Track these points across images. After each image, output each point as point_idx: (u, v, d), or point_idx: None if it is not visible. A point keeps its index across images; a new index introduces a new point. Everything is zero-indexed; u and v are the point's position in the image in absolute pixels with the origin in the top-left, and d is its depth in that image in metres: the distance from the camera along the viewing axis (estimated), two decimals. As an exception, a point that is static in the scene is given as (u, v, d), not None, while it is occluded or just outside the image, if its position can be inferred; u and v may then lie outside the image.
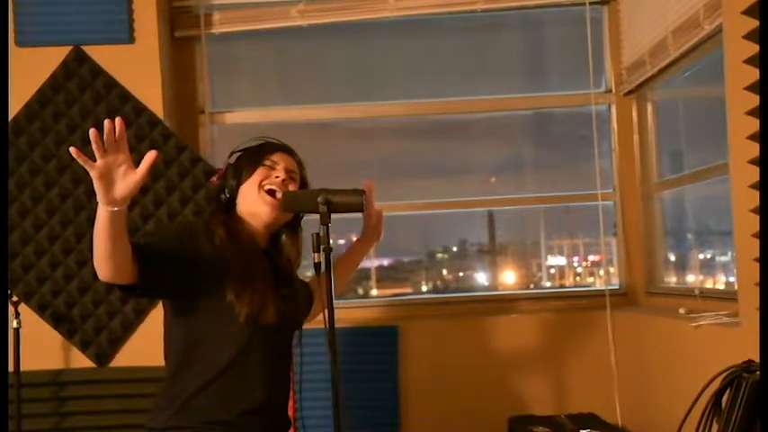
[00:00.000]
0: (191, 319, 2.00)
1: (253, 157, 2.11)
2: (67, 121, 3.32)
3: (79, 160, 1.57)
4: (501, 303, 3.67)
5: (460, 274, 4.02)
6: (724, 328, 2.49)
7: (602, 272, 3.79)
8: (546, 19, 3.81)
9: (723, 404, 1.89)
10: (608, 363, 3.39)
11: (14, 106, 3.28)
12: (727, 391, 1.88)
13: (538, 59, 3.89)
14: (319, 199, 1.90)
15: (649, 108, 3.59)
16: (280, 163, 2.10)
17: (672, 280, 3.52)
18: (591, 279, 4.00)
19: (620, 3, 3.59)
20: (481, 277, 3.97)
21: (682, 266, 3.52)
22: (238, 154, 2.14)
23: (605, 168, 3.68)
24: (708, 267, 3.31)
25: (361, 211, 2.00)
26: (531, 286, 3.93)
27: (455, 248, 4.07)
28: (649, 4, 3.24)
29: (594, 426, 3.07)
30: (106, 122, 1.58)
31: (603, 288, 3.55)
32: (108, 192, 1.62)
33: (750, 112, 2.12)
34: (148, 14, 3.37)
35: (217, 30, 3.65)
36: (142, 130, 3.32)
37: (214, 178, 2.15)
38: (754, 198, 2.07)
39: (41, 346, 3.19)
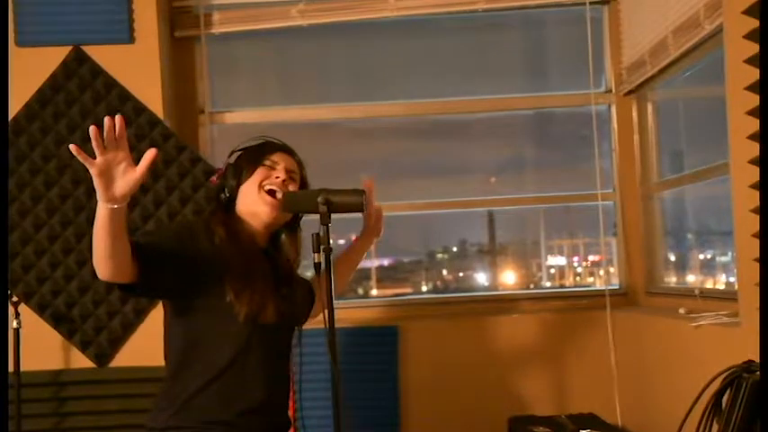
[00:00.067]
0: (190, 318, 1.99)
1: (253, 156, 2.11)
2: (67, 121, 3.32)
3: (79, 157, 1.57)
4: (501, 303, 3.67)
5: (460, 274, 4.02)
6: (724, 328, 2.48)
7: (602, 272, 3.79)
8: (546, 19, 3.81)
9: (723, 404, 1.89)
10: (608, 363, 3.38)
11: (14, 106, 3.28)
12: (728, 392, 1.88)
13: (538, 59, 3.89)
14: (319, 199, 1.90)
15: (650, 108, 3.59)
16: (280, 163, 2.10)
17: (672, 280, 3.52)
18: (591, 279, 4.00)
19: (620, 2, 3.59)
20: (481, 277, 3.97)
21: (682, 266, 3.52)
22: (238, 153, 2.14)
23: (605, 168, 3.68)
24: (708, 267, 3.31)
25: (361, 211, 2.00)
26: (531, 286, 3.92)
27: (455, 248, 4.07)
28: (650, 4, 3.24)
29: (594, 426, 3.07)
30: (106, 120, 1.58)
31: (603, 288, 3.55)
32: (108, 189, 1.62)
33: (750, 112, 2.11)
34: (148, 14, 3.37)
35: (217, 30, 3.64)
36: (142, 130, 3.31)
37: (214, 177, 2.14)
38: (755, 198, 2.07)
39: (41, 347, 3.19)
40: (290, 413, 2.20)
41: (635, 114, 3.64)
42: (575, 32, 3.59)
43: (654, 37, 3.19)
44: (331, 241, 1.88)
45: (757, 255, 2.01)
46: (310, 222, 2.02)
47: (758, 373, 1.80)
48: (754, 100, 2.08)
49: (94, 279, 2.14)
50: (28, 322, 3.08)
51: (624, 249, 3.66)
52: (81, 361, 3.28)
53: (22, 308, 3.11)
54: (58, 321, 3.27)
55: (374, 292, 3.87)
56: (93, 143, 1.57)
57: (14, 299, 3.08)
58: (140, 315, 3.29)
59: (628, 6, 3.52)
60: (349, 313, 3.53)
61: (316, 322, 2.18)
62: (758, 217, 2.00)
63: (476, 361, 3.44)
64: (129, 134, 1.65)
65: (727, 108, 2.36)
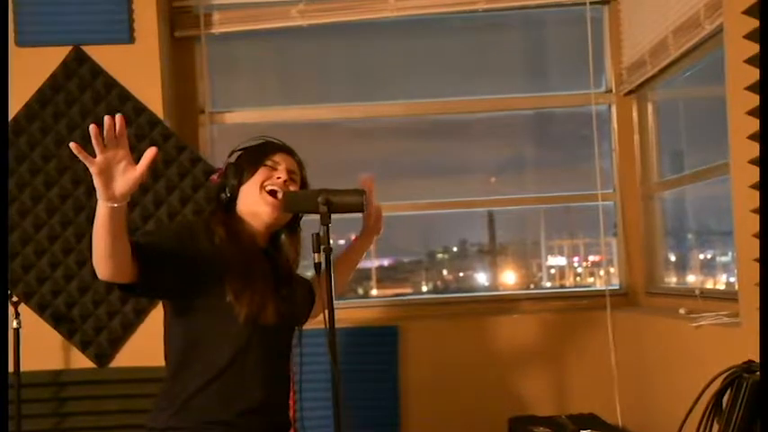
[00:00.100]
0: (190, 318, 1.99)
1: (254, 156, 2.11)
2: (67, 121, 3.32)
3: (79, 156, 1.57)
4: (501, 303, 3.67)
5: (461, 274, 4.02)
6: (724, 328, 2.48)
7: (602, 272, 3.79)
8: (546, 19, 3.81)
9: (724, 404, 1.89)
10: (608, 363, 3.38)
11: (14, 106, 3.28)
12: (728, 392, 1.88)
13: (538, 59, 3.89)
14: (319, 199, 1.89)
15: (650, 108, 3.59)
16: (281, 163, 2.10)
17: (672, 280, 3.52)
18: (591, 279, 3.99)
19: (620, 2, 3.59)
20: (481, 277, 3.97)
21: (682, 266, 3.52)
22: (239, 153, 2.14)
23: (605, 168, 3.68)
24: (708, 267, 3.31)
25: (361, 211, 2.00)
26: (532, 286, 3.92)
27: (455, 248, 4.06)
28: (650, 4, 3.24)
29: (595, 426, 3.06)
30: (106, 118, 1.59)
31: (604, 288, 3.55)
32: (107, 187, 1.62)
33: (751, 112, 2.11)
34: (148, 14, 3.37)
35: (217, 30, 3.64)
36: (142, 130, 3.31)
37: (214, 176, 2.14)
38: (755, 198, 2.07)
39: (41, 347, 3.19)
40: (291, 413, 2.19)
41: (635, 114, 3.64)
42: (575, 32, 3.59)
43: (654, 37, 3.19)
44: (331, 241, 1.88)
45: (758, 255, 2.01)
46: (310, 222, 2.02)
47: (758, 373, 1.80)
48: (754, 100, 2.08)
49: (94, 279, 2.14)
50: (28, 322, 3.08)
51: (624, 249, 3.66)
52: (81, 361, 3.28)
53: (22, 308, 3.11)
54: (58, 321, 3.27)
55: (374, 292, 3.87)
56: (94, 141, 1.57)
57: (14, 299, 3.08)
58: (140, 315, 3.28)
59: (628, 6, 3.52)
60: (349, 313, 3.53)
61: (316, 322, 2.18)
62: (758, 217, 2.00)
63: (476, 361, 3.43)
64: (129, 134, 1.65)
65: (728, 108, 2.36)
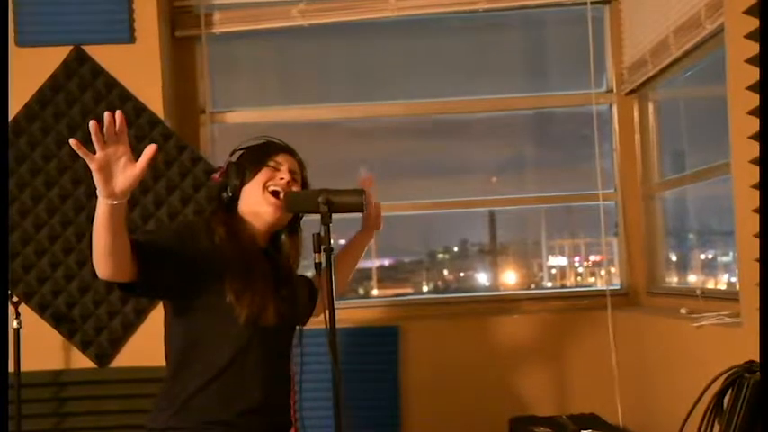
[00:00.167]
0: (190, 318, 1.99)
1: (256, 157, 2.10)
2: (68, 121, 3.32)
3: (79, 152, 1.57)
4: (502, 303, 3.67)
5: (461, 274, 4.02)
6: (725, 328, 2.48)
7: (603, 272, 3.78)
8: (547, 18, 3.81)
9: (725, 405, 1.88)
10: (609, 363, 3.38)
11: (14, 106, 3.27)
12: (729, 392, 1.87)
13: (539, 59, 3.89)
14: (320, 199, 1.90)
15: (651, 108, 3.59)
16: (284, 164, 2.10)
17: (673, 280, 3.52)
18: (592, 279, 3.99)
19: (621, 2, 3.59)
20: (482, 277, 3.97)
21: (683, 266, 3.51)
22: (241, 152, 2.14)
23: (606, 168, 3.68)
24: (709, 267, 3.30)
25: (361, 211, 2.00)
26: (533, 286, 3.92)
27: (456, 248, 4.06)
28: (651, 4, 3.23)
29: (596, 426, 3.06)
30: (106, 115, 1.59)
31: (605, 288, 3.54)
32: (107, 184, 1.62)
33: (752, 112, 2.11)
34: (149, 14, 3.37)
35: (217, 29, 3.64)
36: (142, 130, 3.31)
37: (216, 175, 2.14)
38: (756, 198, 2.06)
39: (42, 347, 3.18)
40: (292, 413, 2.19)
41: (636, 114, 3.63)
42: (576, 32, 3.59)
43: (655, 36, 3.18)
44: (332, 241, 1.88)
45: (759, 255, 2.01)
46: (311, 222, 2.02)
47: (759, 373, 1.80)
48: (755, 100, 2.08)
49: (95, 279, 2.14)
50: (28, 322, 3.07)
51: (625, 249, 3.65)
52: (81, 361, 3.28)
53: (23, 308, 3.11)
54: (59, 321, 3.26)
55: (375, 292, 3.87)
56: (93, 138, 1.58)
57: (15, 299, 3.07)
58: (141, 315, 3.28)
59: (629, 6, 3.51)
60: (349, 313, 3.53)
61: (316, 322, 2.18)
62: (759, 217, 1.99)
63: (476, 361, 3.43)
64: (129, 134, 1.65)
65: (729, 108, 2.36)
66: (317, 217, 1.90)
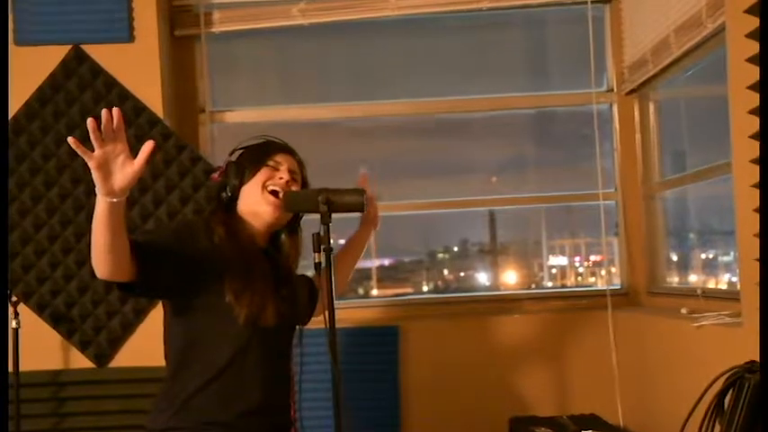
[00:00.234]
0: (190, 318, 1.99)
1: (256, 156, 2.10)
2: (67, 121, 3.31)
3: (78, 151, 1.57)
4: (502, 303, 3.66)
5: (461, 273, 4.01)
6: (726, 328, 2.47)
7: (603, 272, 3.78)
8: (547, 18, 3.80)
9: (726, 405, 1.88)
10: (609, 363, 3.37)
11: (14, 105, 3.27)
12: (730, 392, 1.87)
13: (539, 58, 3.88)
14: (320, 198, 1.89)
15: (651, 107, 3.58)
16: (283, 164, 2.10)
17: (674, 280, 3.51)
18: (592, 279, 3.98)
19: (621, 1, 3.58)
20: (482, 277, 3.96)
21: (684, 266, 3.51)
22: (240, 152, 2.13)
23: (607, 168, 3.67)
24: (710, 267, 3.30)
25: (361, 210, 2.00)
26: (533, 286, 3.91)
27: (456, 248, 4.05)
28: (651, 3, 3.22)
29: (596, 426, 3.06)
30: (104, 112, 1.59)
31: (605, 288, 3.54)
32: (106, 182, 1.62)
33: (753, 112, 2.10)
34: (148, 13, 3.36)
35: (217, 28, 3.64)
36: (142, 129, 3.30)
37: (215, 174, 2.13)
38: (757, 197, 2.05)
39: (40, 347, 3.18)
40: (292, 413, 2.18)
41: (637, 113, 3.63)
42: (576, 31, 3.58)
43: (656, 36, 3.18)
44: (331, 241, 1.88)
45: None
46: (310, 222, 2.02)
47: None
48: (756, 99, 2.07)
49: (94, 279, 2.13)
50: (27, 322, 3.07)
51: (626, 249, 3.65)
52: (80, 361, 3.27)
53: (22, 308, 3.10)
54: (58, 321, 3.26)
55: (375, 292, 3.86)
56: (92, 135, 1.58)
57: (14, 299, 3.07)
58: (140, 315, 3.28)
59: (629, 5, 3.51)
60: (349, 313, 3.53)
61: (316, 322, 2.17)
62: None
63: (477, 361, 3.43)
64: (129, 134, 1.65)
65: (730, 107, 2.35)
66: (317, 217, 1.89)
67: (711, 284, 3.20)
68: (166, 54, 3.50)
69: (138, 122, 3.31)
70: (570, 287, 3.94)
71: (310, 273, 2.28)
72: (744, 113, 2.16)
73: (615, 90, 3.65)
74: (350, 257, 2.40)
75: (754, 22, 2.08)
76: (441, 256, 4.06)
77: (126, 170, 1.63)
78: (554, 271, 3.99)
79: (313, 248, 1.88)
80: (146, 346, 3.19)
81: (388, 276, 3.93)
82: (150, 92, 3.35)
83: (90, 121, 1.57)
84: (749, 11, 2.12)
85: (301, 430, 2.21)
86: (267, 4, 3.62)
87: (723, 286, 3.09)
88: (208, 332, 1.98)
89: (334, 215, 1.90)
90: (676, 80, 3.33)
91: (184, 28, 3.63)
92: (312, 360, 2.52)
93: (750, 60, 2.11)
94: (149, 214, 3.29)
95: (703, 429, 1.89)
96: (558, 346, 3.45)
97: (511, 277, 3.90)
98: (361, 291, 3.88)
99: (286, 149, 2.14)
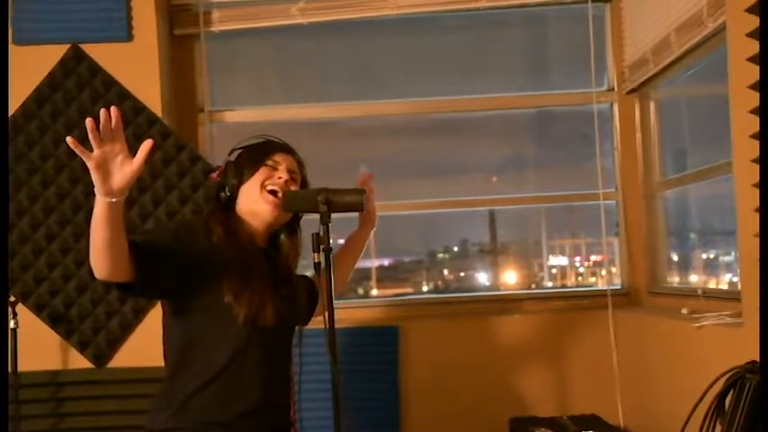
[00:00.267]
0: (188, 318, 1.99)
1: (255, 156, 2.10)
2: (66, 120, 3.30)
3: (76, 150, 1.58)
4: (502, 303, 3.65)
5: (461, 273, 4.00)
6: (727, 328, 2.47)
7: (604, 272, 3.77)
8: (548, 17, 3.79)
9: (726, 405, 1.87)
10: (610, 363, 3.37)
11: (12, 105, 3.26)
12: (731, 392, 1.86)
13: (540, 58, 3.88)
14: (319, 198, 1.89)
15: (652, 106, 3.57)
16: (282, 163, 2.09)
17: (675, 280, 3.51)
18: (593, 279, 3.98)
19: (622, 0, 3.57)
20: (482, 277, 3.95)
21: (685, 266, 3.50)
22: (239, 152, 2.13)
23: (607, 167, 3.67)
24: (711, 267, 3.29)
25: (361, 210, 1.99)
26: (533, 286, 3.91)
27: (456, 248, 4.05)
28: (652, 2, 3.22)
29: (596, 427, 3.05)
30: (102, 112, 1.59)
31: (605, 288, 3.53)
32: (105, 182, 1.62)
33: (753, 111, 2.10)
34: (147, 12, 3.36)
35: (216, 27, 3.63)
36: (141, 129, 3.30)
37: (214, 174, 2.13)
38: (758, 197, 2.05)
39: (39, 347, 3.17)
40: (292, 413, 2.18)
41: (637, 113, 3.62)
42: (577, 30, 3.58)
43: (656, 35, 3.17)
44: (331, 241, 1.87)
45: (761, 254, 1.99)
46: (310, 222, 2.01)
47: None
48: (757, 98, 2.06)
49: (93, 279, 2.12)
50: (25, 322, 3.07)
51: (626, 249, 3.64)
52: (79, 361, 3.27)
53: (20, 308, 3.09)
54: (56, 321, 3.25)
55: (374, 292, 3.86)
56: (90, 135, 1.58)
57: (12, 299, 3.06)
58: (139, 315, 3.27)
59: (630, 4, 3.50)
60: (349, 313, 3.52)
61: (316, 322, 2.17)
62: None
63: (477, 361, 3.42)
64: (127, 133, 1.65)
65: (731, 106, 2.34)
66: (317, 216, 1.89)
67: (712, 284, 3.19)
68: (165, 53, 3.49)
69: (137, 122, 3.30)
70: (571, 287, 3.94)
71: (310, 273, 2.27)
72: (744, 113, 2.15)
73: (616, 89, 3.65)
74: (349, 257, 2.39)
75: (754, 22, 2.07)
76: (441, 256, 4.05)
77: (125, 170, 1.63)
78: (554, 271, 3.98)
79: (312, 248, 1.88)
80: (145, 346, 3.18)
81: (387, 276, 3.92)
82: (149, 91, 3.34)
83: (89, 121, 1.57)
84: (750, 10, 2.12)
85: (301, 430, 2.20)
86: (267, 3, 3.61)
87: (724, 286, 3.08)
88: (207, 332, 1.97)
89: (333, 215, 1.89)
90: (677, 79, 3.32)
91: (184, 27, 3.63)
92: (312, 360, 2.51)
93: (751, 60, 2.11)
94: (148, 214, 3.28)
95: (704, 430, 1.89)
96: (559, 346, 3.45)
97: (511, 277, 3.89)
98: (360, 291, 3.87)
99: (285, 149, 2.14)
